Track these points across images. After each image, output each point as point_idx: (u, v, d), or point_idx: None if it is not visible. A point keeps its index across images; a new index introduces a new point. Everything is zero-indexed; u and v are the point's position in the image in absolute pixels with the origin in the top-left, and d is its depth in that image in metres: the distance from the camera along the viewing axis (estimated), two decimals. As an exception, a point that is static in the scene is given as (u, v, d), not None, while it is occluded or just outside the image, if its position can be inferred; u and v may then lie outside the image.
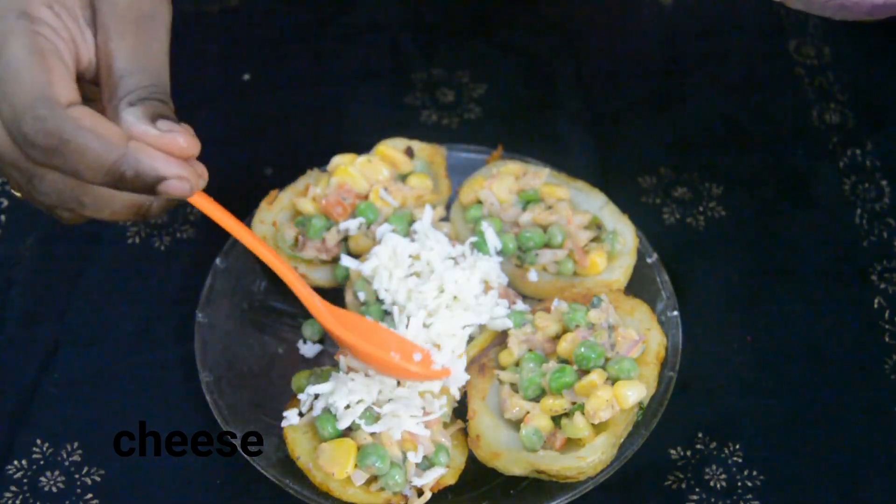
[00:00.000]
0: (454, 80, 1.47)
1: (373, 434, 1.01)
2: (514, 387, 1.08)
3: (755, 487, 1.08)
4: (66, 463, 1.10)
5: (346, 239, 1.21)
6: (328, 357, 1.18)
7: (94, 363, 1.17)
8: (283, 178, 1.29)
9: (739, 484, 1.08)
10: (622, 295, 1.14)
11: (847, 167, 1.35)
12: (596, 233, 1.19)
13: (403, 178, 1.24)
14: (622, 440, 1.05)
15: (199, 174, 0.89)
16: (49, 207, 0.93)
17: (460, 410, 1.09)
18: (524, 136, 1.34)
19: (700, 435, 1.12)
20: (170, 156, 0.86)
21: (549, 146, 1.35)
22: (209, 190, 1.32)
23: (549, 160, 1.28)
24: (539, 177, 1.22)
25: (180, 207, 1.31)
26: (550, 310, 1.12)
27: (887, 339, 1.19)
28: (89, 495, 1.07)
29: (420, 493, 1.02)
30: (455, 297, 1.12)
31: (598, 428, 1.03)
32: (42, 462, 1.10)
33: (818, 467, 1.09)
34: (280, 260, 1.02)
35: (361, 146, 1.26)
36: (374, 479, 1.01)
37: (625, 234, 1.19)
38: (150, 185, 0.85)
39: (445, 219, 1.24)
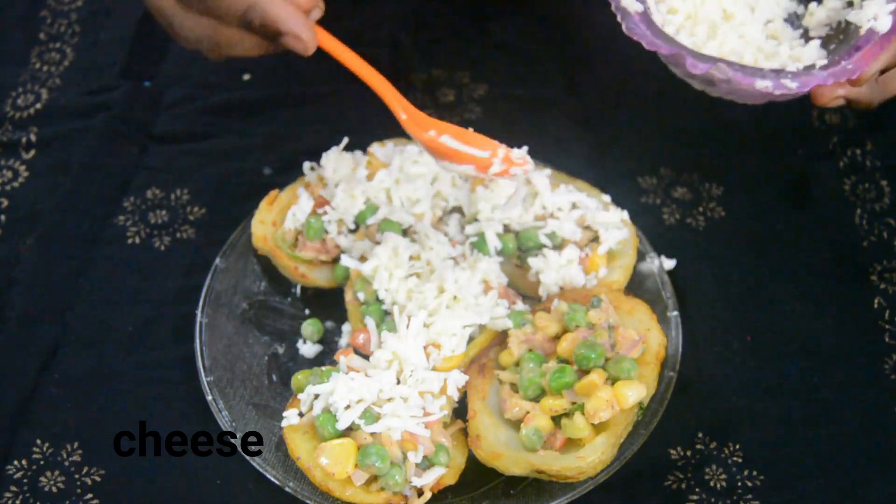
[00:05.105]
0: (454, 80, 1.47)
1: (373, 434, 1.01)
2: (514, 387, 1.08)
3: (755, 487, 1.08)
4: (66, 463, 1.09)
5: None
6: (328, 357, 1.18)
7: (94, 363, 1.17)
8: (283, 178, 1.30)
9: (739, 484, 1.08)
10: (622, 295, 1.14)
11: (847, 167, 1.35)
12: (596, 233, 1.19)
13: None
14: (622, 440, 1.05)
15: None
16: (194, 45, 1.09)
17: (460, 410, 1.09)
18: (524, 136, 1.34)
19: (700, 435, 1.12)
20: (292, 12, 1.02)
21: (549, 146, 1.35)
22: (210, 190, 1.33)
23: (549, 160, 1.28)
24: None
25: (180, 208, 1.31)
26: (550, 310, 1.12)
27: (887, 339, 1.19)
28: (89, 495, 1.07)
29: (420, 493, 1.02)
30: (455, 297, 1.12)
31: (598, 428, 1.03)
32: (42, 462, 1.10)
33: (818, 467, 1.09)
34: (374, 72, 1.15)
35: (361, 146, 1.26)
36: (374, 479, 1.01)
37: (625, 234, 1.19)
38: (272, 34, 1.03)
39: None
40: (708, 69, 1.04)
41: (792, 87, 1.04)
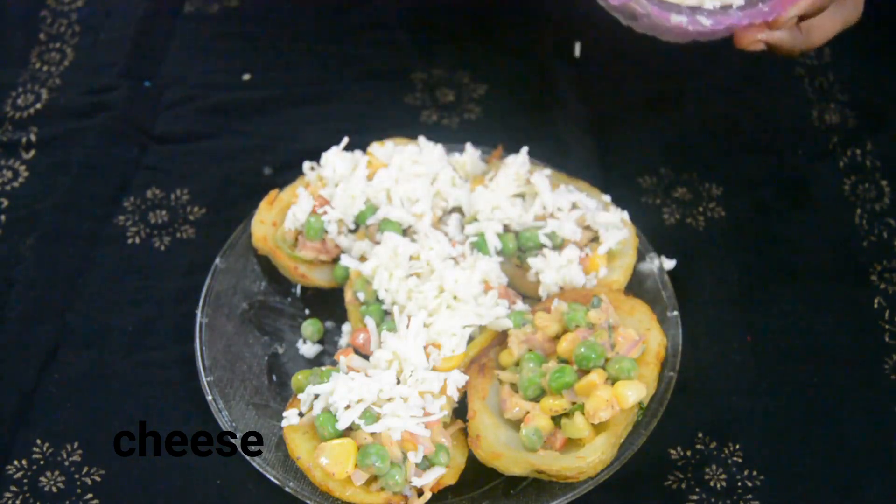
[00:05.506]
0: (454, 80, 1.47)
1: (373, 434, 1.01)
2: (514, 387, 1.08)
3: (755, 487, 1.08)
4: (66, 463, 1.09)
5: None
6: (328, 357, 1.18)
7: (94, 363, 1.17)
8: (283, 178, 1.30)
9: (739, 484, 1.08)
10: (622, 295, 1.14)
11: (847, 167, 1.35)
12: (596, 233, 1.19)
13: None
14: (622, 440, 1.05)
15: None
16: None
17: (460, 410, 1.09)
18: (524, 136, 1.34)
19: (700, 435, 1.12)
20: None
21: (549, 146, 1.35)
22: (210, 190, 1.33)
23: (549, 160, 1.28)
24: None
25: (180, 208, 1.31)
26: (550, 310, 1.12)
27: (887, 339, 1.19)
28: (89, 495, 1.07)
29: (420, 493, 1.02)
30: (455, 297, 1.12)
31: (598, 428, 1.03)
32: (42, 462, 1.10)
33: (818, 467, 1.09)
34: None
35: (361, 146, 1.26)
36: (374, 479, 1.01)
37: (625, 234, 1.19)
38: None
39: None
40: (627, 2, 1.06)
41: (706, 24, 1.06)
